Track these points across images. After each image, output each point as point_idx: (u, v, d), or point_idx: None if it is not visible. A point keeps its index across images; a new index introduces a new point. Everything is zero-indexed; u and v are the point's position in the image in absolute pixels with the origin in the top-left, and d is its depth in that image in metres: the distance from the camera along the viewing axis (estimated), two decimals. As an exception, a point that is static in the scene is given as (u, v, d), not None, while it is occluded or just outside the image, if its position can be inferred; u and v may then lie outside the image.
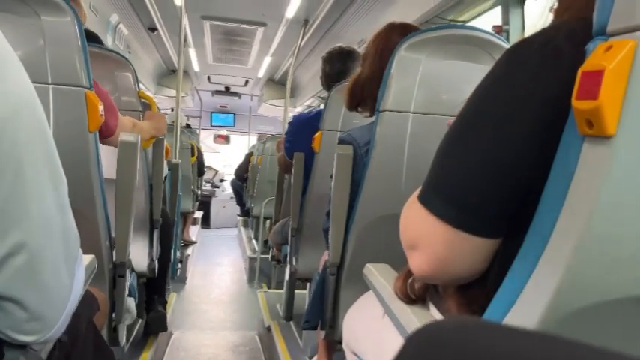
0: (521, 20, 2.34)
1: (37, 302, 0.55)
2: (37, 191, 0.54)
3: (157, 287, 2.28)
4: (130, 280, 1.38)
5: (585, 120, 0.44)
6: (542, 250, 0.48)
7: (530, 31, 2.30)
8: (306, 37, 4.44)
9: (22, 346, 0.59)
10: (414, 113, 1.22)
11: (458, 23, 2.63)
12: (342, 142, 1.39)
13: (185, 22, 3.67)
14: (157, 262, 2.02)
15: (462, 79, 1.23)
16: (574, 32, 0.50)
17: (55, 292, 0.58)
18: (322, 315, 1.45)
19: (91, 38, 1.79)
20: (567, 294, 0.46)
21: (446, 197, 0.58)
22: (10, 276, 0.53)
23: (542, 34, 0.54)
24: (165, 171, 2.23)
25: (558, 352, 0.29)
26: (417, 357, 0.32)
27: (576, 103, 0.45)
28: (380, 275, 0.87)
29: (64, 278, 0.60)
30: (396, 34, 1.33)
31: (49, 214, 0.56)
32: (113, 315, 1.27)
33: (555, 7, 0.63)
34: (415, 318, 0.72)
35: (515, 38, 2.30)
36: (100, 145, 1.22)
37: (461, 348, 0.30)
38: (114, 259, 1.28)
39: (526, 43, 0.54)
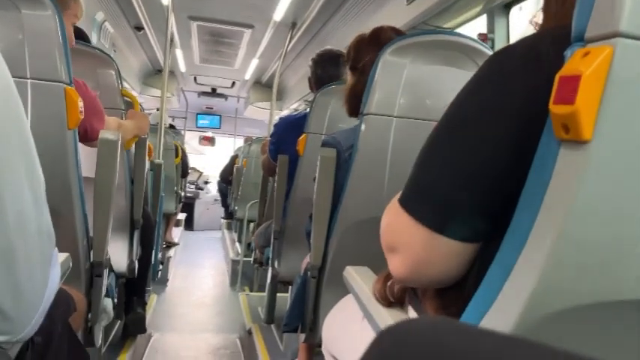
0: (506, 28, 2.37)
1: (9, 303, 0.54)
2: (12, 187, 0.53)
3: (136, 288, 2.25)
4: (107, 280, 1.36)
5: (562, 125, 0.44)
6: (518, 254, 0.48)
7: (515, 39, 2.33)
8: (293, 41, 4.44)
9: (-10, 346, 0.57)
10: (398, 117, 1.22)
11: (444, 30, 2.65)
12: (325, 144, 1.39)
13: (172, 21, 3.65)
14: (137, 262, 1.99)
15: (445, 84, 1.23)
16: (557, 39, 0.51)
17: (28, 293, 0.56)
18: (303, 318, 1.45)
19: (78, 35, 1.77)
20: (542, 298, 0.46)
21: (425, 201, 0.59)
22: None
23: (525, 40, 0.55)
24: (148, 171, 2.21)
25: (519, 353, 0.29)
26: (385, 354, 0.31)
27: (553, 108, 0.45)
28: (359, 278, 0.87)
29: (38, 278, 0.58)
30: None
31: (24, 211, 0.54)
32: (89, 315, 1.25)
33: (537, 19, 0.63)
34: (392, 321, 0.72)
35: (499, 46, 2.33)
36: (80, 143, 1.20)
37: (428, 346, 0.30)
38: (91, 258, 1.26)
39: (509, 50, 0.55)
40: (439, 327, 0.32)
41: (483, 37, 2.37)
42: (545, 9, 0.61)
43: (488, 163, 0.53)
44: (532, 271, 0.46)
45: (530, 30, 0.64)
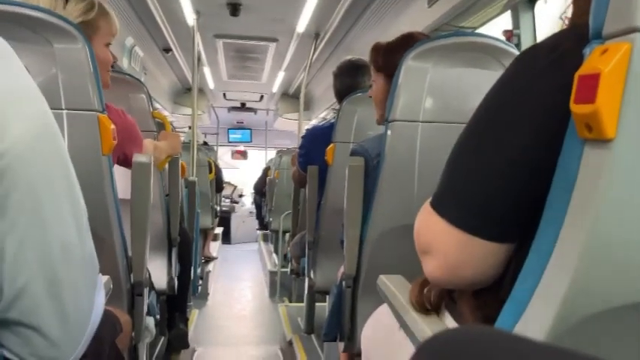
0: (532, 24, 2.32)
1: (57, 329, 0.56)
2: (57, 219, 0.55)
3: (177, 305, 2.30)
4: (148, 298, 1.40)
5: (584, 124, 0.44)
6: (549, 256, 0.48)
7: (542, 34, 2.28)
8: (317, 51, 4.48)
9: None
10: (423, 122, 1.22)
11: (467, 30, 2.62)
12: (353, 153, 1.39)
13: (198, 41, 3.74)
14: (176, 279, 2.03)
15: (470, 86, 1.22)
16: (582, 37, 0.50)
17: (75, 319, 0.58)
18: (340, 327, 1.45)
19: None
20: (576, 301, 0.45)
21: (457, 202, 0.59)
22: (29, 304, 0.53)
23: (552, 38, 0.54)
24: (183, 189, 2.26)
25: None
26: None
27: (575, 108, 0.44)
28: (393, 287, 0.86)
29: (84, 304, 0.61)
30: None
31: (69, 242, 0.57)
32: (132, 334, 1.29)
33: (568, 14, 0.63)
34: (428, 330, 0.71)
35: (526, 42, 2.28)
36: (115, 166, 1.24)
37: (471, 357, 0.30)
38: (131, 278, 1.30)
39: (535, 49, 0.55)
40: (481, 337, 0.32)
41: (509, 34, 2.33)
42: (575, 3, 0.60)
43: (518, 161, 0.53)
44: (564, 273, 0.46)
45: (559, 24, 0.63)
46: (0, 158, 0.49)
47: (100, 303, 0.66)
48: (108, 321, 0.93)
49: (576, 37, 0.51)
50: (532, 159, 0.52)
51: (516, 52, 1.25)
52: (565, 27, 0.62)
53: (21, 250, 0.52)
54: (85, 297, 0.60)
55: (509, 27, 2.36)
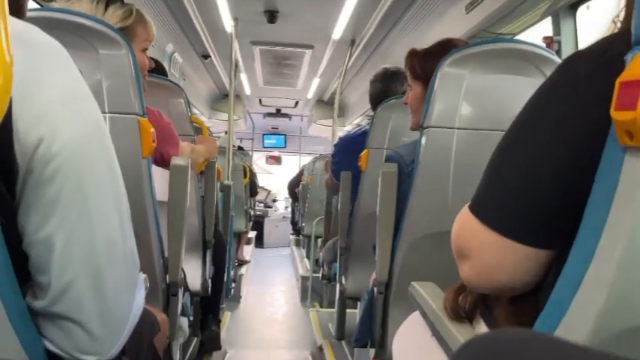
0: (573, 30, 2.27)
1: (99, 324, 0.58)
2: (102, 216, 0.57)
3: (211, 306, 2.33)
4: (183, 299, 1.42)
5: (625, 131, 0.43)
6: (586, 268, 0.47)
7: (583, 40, 2.23)
8: (353, 57, 4.48)
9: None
10: (459, 129, 1.21)
11: (506, 36, 2.58)
12: (388, 159, 1.39)
13: (236, 48, 3.80)
14: (210, 281, 2.06)
15: (508, 93, 1.21)
16: (629, 43, 0.49)
17: (115, 315, 0.60)
18: (371, 334, 1.44)
19: (157, 69, 1.89)
20: (614, 313, 0.44)
21: (495, 206, 0.59)
22: (74, 299, 0.56)
23: (599, 44, 0.53)
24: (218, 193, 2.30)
25: None
26: None
27: (615, 115, 0.44)
28: (425, 294, 0.86)
29: (124, 301, 0.63)
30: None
31: (112, 238, 0.59)
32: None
33: (619, 17, 0.61)
34: (461, 338, 0.71)
35: (567, 49, 2.23)
36: (154, 168, 1.28)
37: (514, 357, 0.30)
38: (167, 279, 1.33)
39: (581, 53, 0.54)
40: (523, 340, 0.31)
41: (549, 41, 2.28)
42: (626, 7, 0.59)
43: (560, 167, 0.53)
44: (602, 283, 0.45)
45: (601, 30, 0.62)
46: (53, 159, 0.52)
47: (140, 300, 0.68)
48: (147, 319, 0.95)
49: (624, 42, 0.50)
50: (574, 165, 0.52)
51: (557, 59, 1.22)
52: (614, 31, 0.60)
53: (69, 246, 0.54)
54: (125, 294, 0.62)
55: (550, 33, 2.31)
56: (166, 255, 1.33)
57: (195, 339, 2.33)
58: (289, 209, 7.63)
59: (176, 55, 4.29)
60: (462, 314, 0.76)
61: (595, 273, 0.46)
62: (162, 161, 1.43)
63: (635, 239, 0.42)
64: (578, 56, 0.54)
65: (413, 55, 1.45)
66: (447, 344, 0.73)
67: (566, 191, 0.53)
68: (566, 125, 0.53)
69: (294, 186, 6.54)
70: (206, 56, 4.89)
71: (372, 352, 1.47)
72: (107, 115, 1.11)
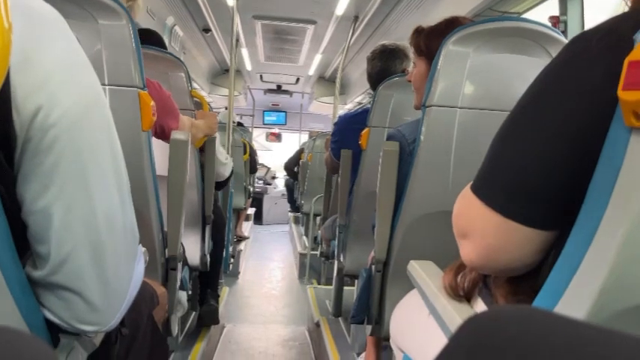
0: (580, 10, 2.23)
1: (98, 295, 0.58)
2: (102, 188, 0.57)
3: (209, 281, 2.35)
4: (182, 273, 1.43)
5: (632, 111, 0.42)
6: (587, 248, 0.47)
7: (590, 20, 2.20)
8: (356, 34, 4.43)
9: (77, 333, 0.62)
10: (462, 108, 1.19)
11: (512, 15, 2.54)
12: (390, 137, 1.38)
13: (237, 22, 3.75)
14: (209, 256, 2.07)
15: (512, 72, 1.19)
16: (639, 23, 0.48)
17: (115, 286, 0.61)
18: (368, 312, 1.45)
19: (157, 41, 1.87)
20: (613, 294, 0.44)
21: (498, 186, 0.59)
22: (74, 269, 0.56)
23: (607, 23, 0.52)
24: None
25: (617, 344, 0.28)
26: (470, 344, 0.31)
27: (622, 94, 0.43)
28: (424, 272, 0.86)
29: (124, 273, 0.63)
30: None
31: (112, 210, 0.59)
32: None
33: None
34: (458, 317, 0.71)
35: (573, 28, 2.20)
36: (154, 143, 1.27)
37: (517, 336, 0.30)
38: (166, 253, 1.33)
39: (589, 33, 0.53)
40: (526, 316, 0.31)
41: (555, 20, 2.25)
42: None
43: (562, 145, 0.52)
44: (602, 265, 0.45)
45: (608, 10, 0.61)
46: (50, 128, 0.51)
47: (139, 272, 0.69)
48: (147, 292, 0.96)
49: (633, 22, 0.49)
50: (577, 146, 0.51)
51: (563, 39, 1.21)
52: (623, 11, 0.59)
53: (68, 217, 0.54)
54: (125, 265, 0.63)
55: (556, 13, 2.28)
56: (166, 229, 1.33)
57: (194, 313, 2.35)
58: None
59: (176, 28, 4.24)
60: (460, 293, 0.76)
61: (596, 252, 0.46)
62: (162, 134, 1.42)
63: (637, 221, 0.42)
64: (586, 35, 0.53)
65: (418, 33, 1.42)
66: (445, 322, 0.74)
67: (570, 172, 0.52)
68: (571, 105, 0.52)
69: (292, 165, 6.53)
70: (207, 30, 4.83)
71: (368, 328, 1.48)
72: (107, 87, 1.09)
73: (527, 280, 0.61)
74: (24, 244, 0.55)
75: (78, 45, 0.57)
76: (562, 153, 0.53)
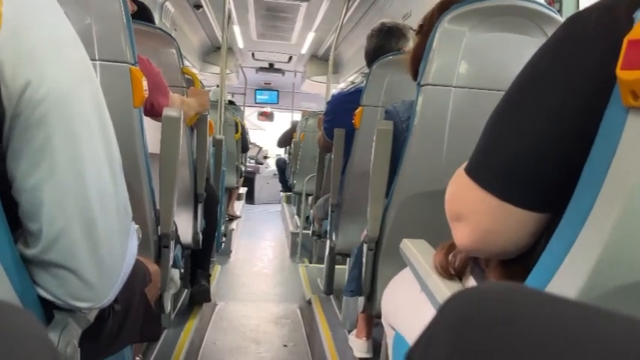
0: (575, -11, 2.22)
1: (92, 272, 0.58)
2: (93, 165, 0.57)
3: (201, 260, 2.36)
4: (174, 251, 1.43)
5: (630, 91, 0.42)
6: (581, 226, 0.47)
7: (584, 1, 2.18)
8: (349, 12, 4.38)
9: (72, 310, 0.62)
10: (457, 87, 1.19)
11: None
12: (386, 113, 1.38)
13: (229, -2, 3.69)
14: (201, 234, 2.08)
15: (508, 51, 1.19)
16: (636, 2, 0.47)
17: (109, 263, 0.61)
18: (360, 289, 1.47)
19: (145, 16, 1.83)
20: (605, 272, 0.45)
21: (492, 168, 0.58)
22: (67, 247, 0.56)
23: (603, 2, 0.52)
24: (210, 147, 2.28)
25: (600, 321, 0.28)
26: (455, 319, 0.32)
27: (621, 74, 0.43)
28: (416, 250, 0.87)
29: (117, 250, 0.63)
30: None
31: (104, 187, 0.58)
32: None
33: None
34: (450, 294, 0.72)
35: (568, 8, 2.19)
36: (145, 120, 1.26)
37: (503, 311, 0.30)
38: (159, 231, 1.33)
39: (585, 12, 0.53)
40: (511, 292, 0.31)
41: (550, 0, 2.23)
42: None
43: (559, 129, 0.52)
44: (595, 243, 0.45)
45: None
46: (39, 104, 0.51)
47: (132, 249, 0.68)
48: (139, 270, 0.96)
49: (629, 1, 0.49)
50: (574, 126, 0.51)
51: (559, 18, 1.20)
52: None
53: (60, 194, 0.53)
54: (118, 242, 0.62)
55: (552, -7, 2.26)
56: (158, 207, 1.33)
57: (186, 290, 2.36)
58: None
59: (167, 4, 4.16)
60: (451, 272, 0.77)
61: (590, 231, 0.46)
62: (152, 111, 1.40)
63: (634, 199, 0.42)
64: (583, 14, 0.53)
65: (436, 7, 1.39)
66: (437, 299, 0.75)
67: (567, 153, 0.52)
68: (568, 85, 0.52)
69: (285, 142, 6.52)
70: (198, 6, 4.75)
71: (360, 305, 1.50)
72: (97, 62, 1.08)
73: (519, 262, 0.61)
74: (15, 222, 0.54)
75: (66, 20, 0.56)
76: (558, 133, 0.52)
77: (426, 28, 1.33)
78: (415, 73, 1.36)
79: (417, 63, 1.32)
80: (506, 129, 0.57)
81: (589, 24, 0.51)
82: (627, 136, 0.43)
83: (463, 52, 1.18)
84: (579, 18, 0.53)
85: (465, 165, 0.63)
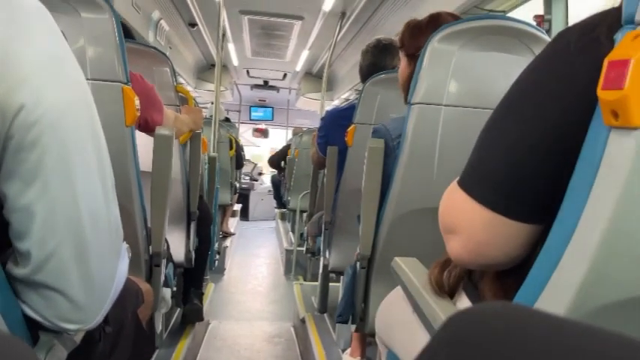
0: (564, 9, 2.26)
1: (81, 293, 0.57)
2: (86, 186, 0.56)
3: (193, 279, 2.33)
4: (166, 270, 1.42)
5: (611, 111, 0.43)
6: (567, 244, 0.47)
7: (574, 20, 2.22)
8: (343, 30, 4.43)
9: (58, 331, 0.61)
10: (447, 106, 1.20)
11: (497, 13, 2.56)
12: (375, 132, 1.39)
13: (224, 16, 3.72)
14: (194, 253, 2.06)
15: (497, 70, 1.20)
16: (617, 21, 0.48)
17: (99, 284, 0.60)
18: (353, 308, 1.46)
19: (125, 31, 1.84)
20: (591, 290, 0.45)
21: (485, 181, 0.59)
22: (57, 268, 0.55)
23: (591, 20, 0.53)
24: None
25: (595, 339, 0.28)
26: (452, 340, 0.32)
27: (602, 94, 0.43)
28: (407, 269, 0.86)
29: (107, 270, 0.62)
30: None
31: (96, 207, 0.58)
32: (150, 303, 1.31)
33: None
34: (441, 314, 0.72)
35: (557, 28, 2.22)
36: (139, 136, 1.26)
37: (497, 333, 0.30)
38: (150, 250, 1.32)
39: (571, 30, 0.54)
40: (508, 313, 0.32)
41: (540, 19, 2.27)
42: None
43: (547, 142, 0.53)
44: (581, 261, 0.45)
45: (592, 9, 0.61)
46: (34, 125, 0.50)
47: (123, 270, 0.68)
48: (131, 290, 0.95)
49: (615, 21, 0.50)
50: (560, 141, 0.52)
51: (547, 38, 1.22)
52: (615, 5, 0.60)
53: (52, 214, 0.53)
54: (109, 263, 0.62)
55: (541, 12, 2.30)
56: (150, 226, 1.32)
57: (178, 310, 2.34)
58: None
59: (162, 22, 4.19)
60: (445, 289, 0.77)
61: (576, 249, 0.46)
62: (146, 127, 1.40)
63: (616, 218, 0.43)
64: (567, 32, 0.54)
65: (405, 27, 1.42)
66: (428, 320, 0.74)
67: (556, 166, 0.53)
68: (556, 99, 0.52)
69: (277, 162, 6.51)
70: (193, 24, 4.80)
71: (353, 326, 1.49)
72: (89, 81, 1.08)
73: (513, 274, 0.61)
74: (4, 241, 0.54)
75: (63, 39, 0.56)
76: (547, 148, 0.53)
77: (406, 47, 1.35)
78: (406, 94, 1.38)
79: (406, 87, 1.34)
80: (495, 142, 0.58)
81: (575, 40, 0.52)
82: (608, 154, 0.44)
83: (453, 70, 1.19)
84: (564, 37, 0.54)
85: (458, 178, 0.64)
